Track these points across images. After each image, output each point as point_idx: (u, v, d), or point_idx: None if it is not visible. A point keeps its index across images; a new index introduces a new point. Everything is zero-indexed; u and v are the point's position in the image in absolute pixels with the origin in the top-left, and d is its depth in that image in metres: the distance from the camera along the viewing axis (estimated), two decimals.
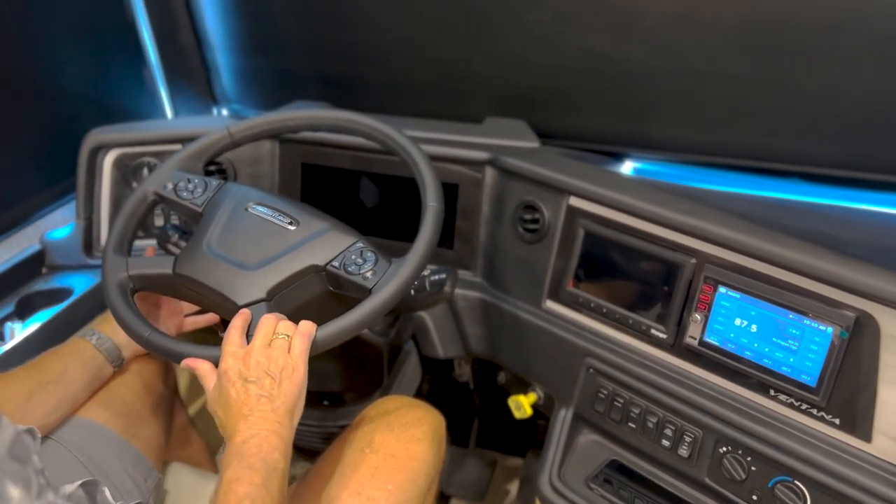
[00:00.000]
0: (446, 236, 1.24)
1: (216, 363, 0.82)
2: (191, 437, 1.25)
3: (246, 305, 0.87)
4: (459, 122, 1.34)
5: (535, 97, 1.32)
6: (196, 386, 1.60)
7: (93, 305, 1.27)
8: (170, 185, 1.02)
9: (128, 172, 1.33)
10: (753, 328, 0.92)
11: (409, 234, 1.26)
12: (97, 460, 0.93)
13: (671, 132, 1.27)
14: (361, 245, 0.92)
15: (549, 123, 1.33)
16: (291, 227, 0.95)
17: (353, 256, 0.91)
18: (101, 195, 1.32)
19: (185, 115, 1.64)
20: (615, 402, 1.06)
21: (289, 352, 0.80)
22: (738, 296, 0.93)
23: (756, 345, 0.92)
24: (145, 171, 1.32)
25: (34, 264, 1.32)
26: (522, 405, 1.19)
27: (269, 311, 0.87)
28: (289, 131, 1.09)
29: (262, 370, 0.78)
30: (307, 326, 0.82)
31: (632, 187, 1.05)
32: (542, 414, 1.24)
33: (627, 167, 1.36)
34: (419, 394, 1.51)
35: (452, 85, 1.38)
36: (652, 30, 1.18)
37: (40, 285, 1.30)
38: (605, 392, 1.07)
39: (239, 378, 0.77)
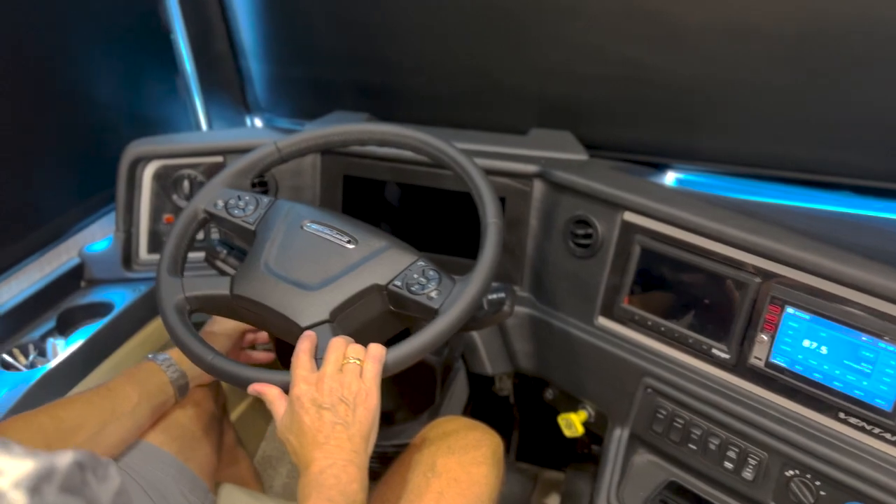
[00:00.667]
0: None
1: (285, 388, 0.80)
2: (238, 455, 1.23)
3: (309, 327, 0.85)
4: (501, 133, 1.32)
5: (580, 108, 1.30)
6: (241, 403, 1.60)
7: (133, 321, 1.25)
8: (220, 203, 1.00)
9: (168, 184, 1.31)
10: (823, 350, 0.90)
11: (455, 248, 1.27)
12: (155, 483, 0.91)
13: (718, 143, 1.25)
14: (423, 263, 0.90)
15: (594, 134, 1.30)
16: (350, 246, 0.93)
17: (415, 275, 0.89)
18: (140, 208, 1.31)
19: (218, 124, 1.62)
20: (675, 423, 1.04)
21: (361, 377, 0.78)
22: (807, 317, 0.91)
23: (826, 367, 0.90)
24: (186, 183, 1.30)
25: (73, 278, 1.31)
26: (574, 423, 1.17)
27: (333, 332, 0.85)
28: (337, 146, 1.07)
29: (336, 396, 0.75)
30: (378, 350, 0.80)
31: (690, 203, 1.03)
32: (590, 429, 1.22)
33: (670, 178, 1.34)
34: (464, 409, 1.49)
35: (494, 95, 1.36)
36: (700, 40, 1.15)
37: (80, 299, 1.28)
38: (664, 412, 1.05)
39: (313, 404, 0.75)
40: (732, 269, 0.96)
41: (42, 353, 1.18)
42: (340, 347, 0.80)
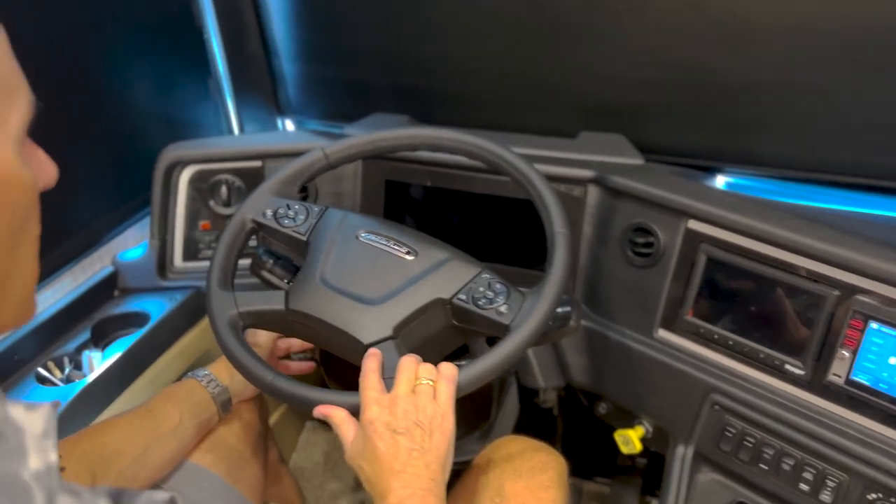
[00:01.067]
0: (544, 257, 1.18)
1: (353, 410, 0.75)
2: (282, 473, 1.19)
3: (372, 344, 0.80)
4: (549, 136, 1.27)
5: (633, 111, 1.25)
6: (285, 420, 1.55)
7: (170, 332, 1.21)
8: (269, 213, 0.95)
9: (204, 190, 1.26)
10: None
11: (505, 257, 1.22)
12: None
13: (777, 148, 1.20)
14: (488, 276, 0.86)
15: (647, 137, 1.25)
16: (410, 258, 0.88)
17: (482, 289, 0.84)
18: (175, 213, 1.26)
19: (249, 126, 1.58)
20: (745, 442, 0.99)
21: (435, 399, 0.73)
22: (893, 332, 0.86)
23: None
24: (223, 188, 1.26)
25: (107, 287, 1.26)
26: (632, 440, 1.13)
27: (397, 349, 0.80)
28: (386, 152, 1.02)
29: (412, 420, 0.70)
30: (450, 370, 0.75)
31: (759, 211, 0.98)
32: (647, 446, 1.18)
33: (720, 182, 1.29)
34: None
35: (540, 97, 1.31)
36: (762, 40, 1.10)
37: (114, 309, 1.24)
38: (733, 430, 1.00)
39: (387, 429, 0.70)
40: (809, 281, 0.92)
41: (78, 366, 1.13)
42: (412, 367, 0.75)
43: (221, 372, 0.96)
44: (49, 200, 1.18)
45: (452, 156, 1.00)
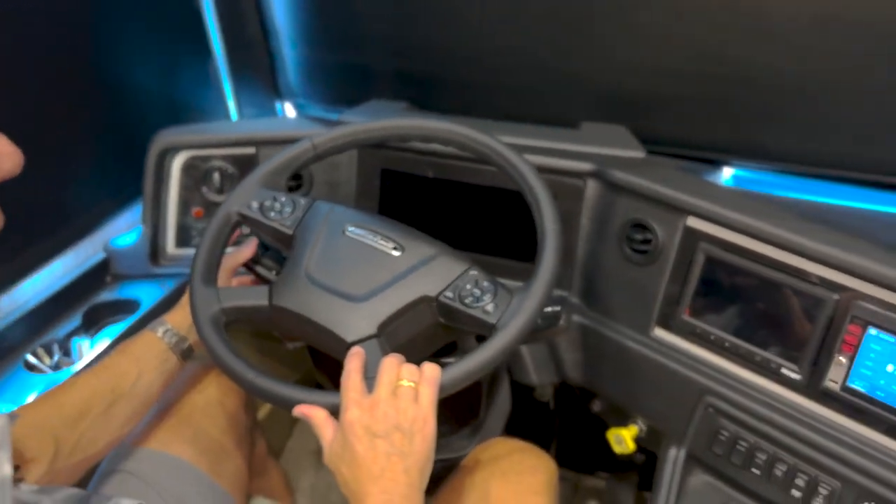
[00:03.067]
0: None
1: (333, 411, 0.73)
2: (269, 466, 1.18)
3: (356, 342, 0.79)
4: (551, 126, 1.24)
5: (638, 101, 1.22)
6: (275, 414, 1.54)
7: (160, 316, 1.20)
8: (255, 205, 0.92)
9: (197, 176, 1.24)
10: None
11: (501, 250, 1.20)
12: (183, 500, 0.87)
13: (791, 142, 1.16)
14: (475, 273, 0.84)
15: (651, 129, 1.22)
16: (396, 253, 0.86)
17: (468, 286, 0.82)
18: (168, 200, 1.25)
19: (248, 111, 1.56)
20: (738, 446, 0.97)
21: (417, 401, 0.71)
22: (892, 339, 0.84)
23: None
24: (216, 175, 1.24)
25: (99, 274, 1.25)
26: (625, 440, 1.11)
27: (381, 347, 0.79)
28: (377, 142, 1.00)
29: (392, 423, 0.69)
30: (433, 371, 0.73)
31: (760, 210, 0.95)
32: (640, 445, 1.16)
33: (726, 174, 1.26)
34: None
35: (543, 86, 1.28)
36: (778, 30, 1.07)
37: (105, 296, 1.23)
38: (726, 433, 0.98)
39: (366, 433, 0.69)
40: (808, 283, 0.89)
41: (67, 352, 1.13)
42: (394, 368, 0.73)
43: (179, 321, 0.93)
44: (45, 187, 1.18)
45: (447, 146, 0.97)
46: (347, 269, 0.86)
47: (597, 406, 1.22)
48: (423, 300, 0.83)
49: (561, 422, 1.49)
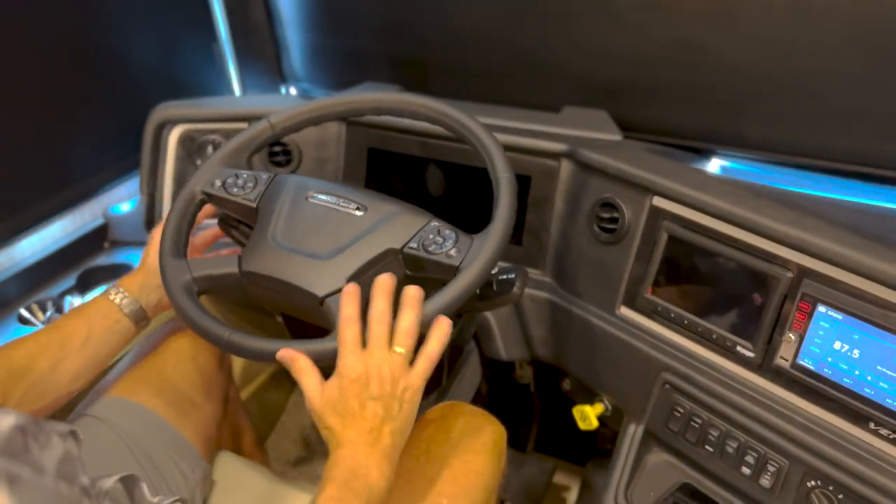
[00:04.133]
0: (515, 232, 1.17)
1: (315, 358, 0.75)
2: (241, 424, 1.22)
3: (327, 296, 0.82)
4: (535, 110, 1.26)
5: (619, 87, 1.23)
6: (249, 372, 1.58)
7: None
8: (217, 183, 0.96)
9: (193, 149, 1.30)
10: (855, 353, 0.83)
11: (479, 226, 1.21)
12: (145, 446, 0.90)
13: (769, 130, 1.17)
14: (437, 224, 0.87)
15: (633, 115, 1.24)
16: (359, 213, 0.90)
17: (431, 236, 0.85)
18: (164, 171, 1.30)
19: (253, 93, 1.61)
20: (692, 422, 0.98)
21: (410, 370, 0.74)
22: (839, 316, 0.84)
23: (857, 372, 0.83)
24: (210, 149, 1.29)
25: (97, 238, 1.32)
26: (588, 416, 1.12)
27: None
28: (331, 118, 1.02)
29: (387, 388, 0.71)
30: (411, 315, 0.75)
31: (723, 189, 0.96)
32: (606, 423, 1.17)
33: (715, 165, 1.26)
34: (478, 395, 1.44)
35: (530, 71, 1.30)
36: (755, 18, 1.07)
37: (102, 260, 1.29)
38: (682, 410, 0.99)
39: (363, 390, 0.71)
40: (763, 261, 0.90)
41: (59, 309, 1.19)
42: (384, 322, 0.74)
43: (129, 284, 0.95)
44: (47, 150, 1.24)
45: (434, 126, 1.00)
46: (313, 232, 0.89)
47: (566, 384, 1.24)
48: (389, 252, 0.86)
49: (542, 408, 1.50)
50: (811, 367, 0.87)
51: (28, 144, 1.17)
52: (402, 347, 0.74)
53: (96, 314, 0.91)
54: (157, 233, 0.98)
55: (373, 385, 0.71)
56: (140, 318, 0.95)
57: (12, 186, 1.15)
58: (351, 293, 0.76)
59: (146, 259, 0.98)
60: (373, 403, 0.70)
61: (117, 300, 0.93)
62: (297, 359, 0.74)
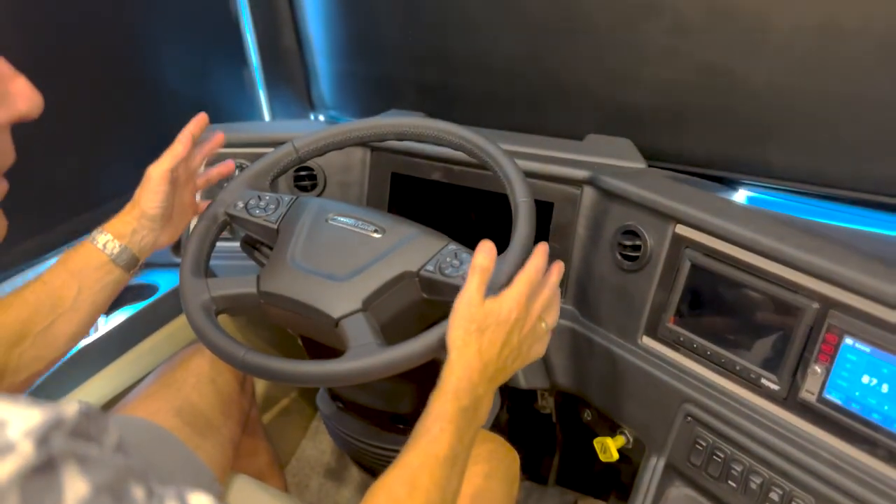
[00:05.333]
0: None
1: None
2: (259, 447, 1.22)
3: (343, 318, 0.83)
4: (559, 137, 1.26)
5: (644, 115, 1.23)
6: (272, 396, 1.59)
7: (175, 305, 1.27)
8: (240, 204, 0.98)
9: None
10: (884, 388, 0.80)
11: (501, 251, 1.21)
12: (157, 467, 0.90)
13: (796, 159, 1.14)
14: (454, 247, 0.88)
15: (658, 144, 1.23)
16: (377, 235, 0.91)
17: (448, 259, 0.86)
18: None
19: (282, 120, 1.64)
20: (714, 456, 0.95)
21: (541, 338, 0.82)
22: (867, 349, 0.81)
23: (886, 407, 0.80)
24: (236, 172, 1.31)
25: None
26: (609, 448, 1.10)
27: (367, 321, 0.83)
28: (354, 143, 1.04)
29: (529, 337, 0.79)
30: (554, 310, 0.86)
31: (747, 218, 0.94)
32: (628, 457, 1.14)
33: (741, 196, 1.25)
34: (497, 424, 1.42)
35: (553, 99, 1.30)
36: (785, 43, 1.06)
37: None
38: (704, 444, 0.96)
39: (514, 327, 0.77)
40: (788, 292, 0.88)
41: None
42: (553, 281, 0.84)
43: (118, 228, 0.89)
44: (80, 170, 1.26)
45: (457, 151, 1.01)
46: (330, 253, 0.90)
47: (587, 415, 1.22)
48: (405, 275, 0.86)
49: (564, 439, 1.47)
50: (838, 402, 0.84)
51: (60, 165, 1.19)
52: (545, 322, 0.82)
53: (85, 267, 0.86)
54: (151, 170, 0.93)
55: (519, 329, 0.77)
56: (132, 265, 0.89)
57: (42, 205, 1.18)
58: (543, 251, 0.83)
59: (139, 200, 0.92)
60: (508, 350, 0.76)
61: (106, 250, 0.87)
62: (487, 252, 0.77)
